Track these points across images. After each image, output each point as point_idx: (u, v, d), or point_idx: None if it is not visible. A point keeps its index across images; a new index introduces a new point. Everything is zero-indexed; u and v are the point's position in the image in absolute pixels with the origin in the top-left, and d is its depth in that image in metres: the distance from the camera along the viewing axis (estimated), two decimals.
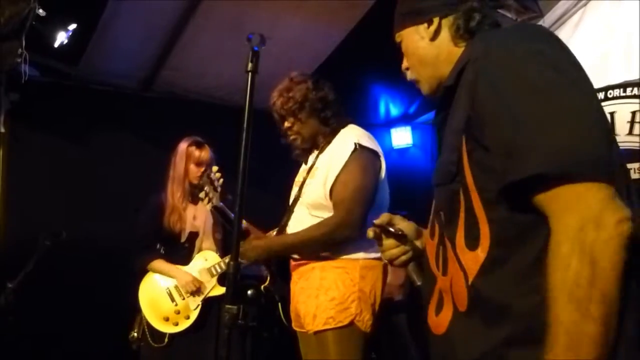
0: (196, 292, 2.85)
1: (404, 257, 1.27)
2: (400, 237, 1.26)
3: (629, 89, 4.41)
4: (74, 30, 3.26)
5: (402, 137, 5.47)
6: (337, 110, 2.25)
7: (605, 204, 0.83)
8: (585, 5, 4.59)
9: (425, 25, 1.18)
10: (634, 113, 4.38)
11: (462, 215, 1.00)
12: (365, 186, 2.11)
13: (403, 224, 1.29)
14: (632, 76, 4.37)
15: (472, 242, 0.97)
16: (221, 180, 2.31)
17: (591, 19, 4.60)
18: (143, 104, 4.21)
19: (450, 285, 1.03)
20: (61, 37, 3.24)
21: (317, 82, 2.27)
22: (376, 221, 1.27)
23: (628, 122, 4.38)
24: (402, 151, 5.45)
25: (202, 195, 2.35)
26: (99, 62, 3.82)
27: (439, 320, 1.07)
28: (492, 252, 0.94)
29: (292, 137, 2.29)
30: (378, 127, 5.53)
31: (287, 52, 3.81)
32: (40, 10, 2.82)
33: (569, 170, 0.84)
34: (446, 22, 1.16)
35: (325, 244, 2.12)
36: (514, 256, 0.93)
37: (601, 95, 4.52)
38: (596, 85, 4.98)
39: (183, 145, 2.98)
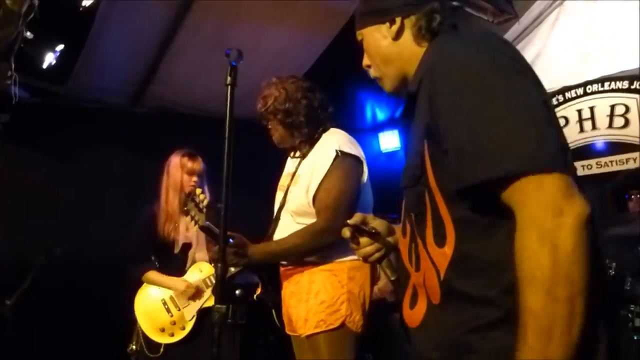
0: (196, 295, 2.87)
1: (377, 254, 1.33)
2: (374, 235, 1.31)
3: (606, 84, 4.53)
4: (62, 50, 3.32)
5: (389, 140, 5.55)
6: (311, 118, 2.23)
7: (563, 192, 0.88)
8: (560, 5, 4.71)
9: (388, 24, 1.21)
10: (612, 107, 4.49)
11: (429, 215, 1.05)
12: (347, 192, 2.13)
13: (376, 222, 1.34)
14: (610, 71, 4.49)
15: (440, 240, 1.03)
16: (206, 201, 2.36)
17: (567, 18, 4.72)
18: (132, 119, 4.25)
19: (424, 280, 1.08)
20: (49, 58, 3.29)
21: (289, 87, 2.25)
22: (350, 221, 1.31)
23: (607, 115, 4.50)
24: (391, 155, 5.53)
25: (188, 219, 2.37)
26: (87, 80, 3.86)
27: (414, 314, 1.12)
28: (458, 249, 1.00)
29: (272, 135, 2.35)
30: (366, 131, 5.61)
31: (272, 62, 3.88)
32: (28, 33, 2.86)
33: (523, 167, 0.89)
34: (408, 22, 1.20)
35: (309, 250, 2.14)
36: (477, 251, 0.98)
37: (580, 91, 4.65)
38: (575, 81, 5.09)
39: (177, 157, 3.02)
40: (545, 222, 0.86)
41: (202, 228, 2.31)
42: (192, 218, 2.33)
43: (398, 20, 1.20)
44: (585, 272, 0.85)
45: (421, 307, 1.09)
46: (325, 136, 2.26)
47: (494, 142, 0.91)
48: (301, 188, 2.20)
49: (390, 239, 1.34)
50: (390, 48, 1.22)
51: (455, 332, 0.99)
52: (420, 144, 1.06)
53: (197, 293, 2.90)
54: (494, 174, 0.91)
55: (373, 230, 1.30)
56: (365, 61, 1.30)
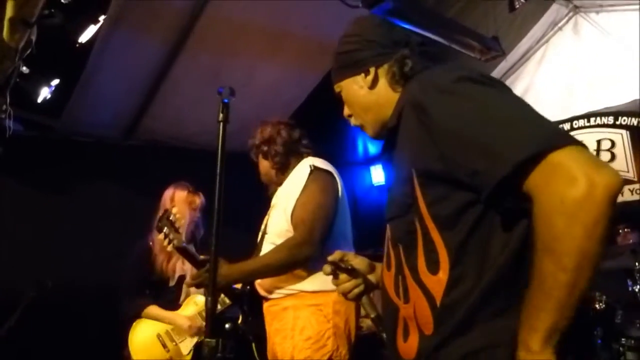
0: (197, 332, 2.84)
1: (356, 290, 1.36)
2: (351, 272, 1.35)
3: (592, 119, 4.63)
4: (57, 85, 3.36)
5: (381, 174, 5.58)
6: (289, 150, 2.33)
7: (591, 160, 0.88)
8: (547, 42, 4.85)
9: (363, 75, 1.27)
10: (599, 142, 4.57)
11: (420, 242, 1.07)
12: (323, 205, 2.15)
13: (356, 260, 1.38)
14: (595, 106, 4.59)
15: (433, 266, 1.05)
16: (183, 221, 2.36)
17: (553, 55, 4.86)
18: (125, 153, 4.26)
19: (414, 312, 1.09)
20: (44, 93, 3.32)
21: (270, 125, 2.39)
22: (329, 258, 1.36)
23: (594, 150, 4.57)
24: (382, 188, 5.55)
25: (161, 236, 2.37)
26: (81, 114, 3.88)
27: (408, 347, 1.12)
28: (452, 273, 1.03)
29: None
30: (358, 165, 5.66)
31: (265, 97, 3.94)
32: (24, 68, 2.90)
33: (537, 150, 0.89)
34: (382, 71, 1.26)
35: (288, 264, 2.12)
36: (470, 273, 1.01)
37: (567, 126, 4.74)
38: (562, 115, 5.21)
39: (182, 191, 3.03)
40: (568, 192, 0.85)
41: (179, 249, 2.32)
42: (166, 236, 2.32)
43: (372, 70, 1.26)
44: (601, 247, 0.85)
45: (414, 339, 1.10)
46: (301, 163, 2.33)
47: (508, 136, 0.93)
48: (279, 209, 2.23)
49: (371, 277, 1.38)
50: (368, 97, 1.28)
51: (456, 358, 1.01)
52: (408, 172, 1.09)
53: (199, 331, 2.85)
54: (520, 158, 0.89)
55: (350, 267, 1.34)
56: (346, 111, 1.36)
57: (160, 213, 2.49)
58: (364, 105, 1.29)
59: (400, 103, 1.19)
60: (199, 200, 3.02)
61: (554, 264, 0.87)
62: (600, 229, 0.84)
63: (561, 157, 0.88)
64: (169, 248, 2.39)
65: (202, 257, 2.29)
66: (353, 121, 1.35)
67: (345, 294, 1.37)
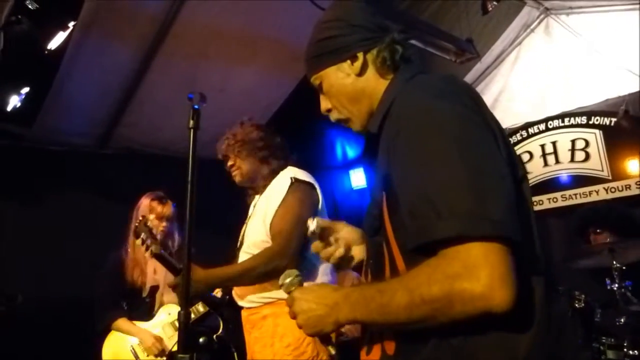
0: (160, 353, 2.82)
1: (336, 254, 1.32)
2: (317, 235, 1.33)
3: (566, 119, 4.71)
4: (27, 93, 3.27)
5: (360, 177, 5.60)
6: (278, 154, 2.35)
7: (500, 273, 0.85)
8: (519, 44, 4.92)
9: (349, 62, 1.17)
10: (573, 141, 4.66)
11: (387, 267, 1.04)
12: (301, 217, 2.12)
13: (345, 229, 1.34)
14: (569, 107, 4.67)
15: None
16: (160, 228, 2.32)
17: (527, 56, 4.93)
18: (101, 162, 4.17)
19: (380, 330, 1.07)
20: (14, 101, 3.24)
21: (260, 126, 2.42)
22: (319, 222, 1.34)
23: (569, 150, 4.66)
24: (362, 191, 5.57)
25: (138, 242, 2.35)
26: (54, 123, 3.79)
27: None
28: None
29: (233, 174, 2.38)
30: (337, 169, 5.66)
31: (241, 103, 3.91)
32: None
33: (464, 231, 0.86)
34: (370, 56, 1.16)
35: (262, 274, 2.11)
36: None
37: (542, 127, 4.82)
38: (536, 116, 5.26)
39: (145, 200, 3.00)
40: (468, 285, 0.85)
41: (156, 256, 2.30)
42: (144, 242, 2.30)
43: (360, 55, 1.16)
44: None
45: (376, 355, 1.08)
46: (282, 172, 2.33)
47: (438, 206, 0.88)
48: (258, 219, 2.24)
49: (357, 248, 1.33)
50: (355, 85, 1.17)
51: None
52: (379, 194, 1.06)
53: (162, 352, 2.82)
54: (435, 237, 0.88)
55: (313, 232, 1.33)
56: (326, 105, 1.24)
57: (138, 220, 2.46)
58: (351, 95, 1.18)
59: (383, 105, 1.11)
60: (166, 210, 2.98)
61: (409, 296, 0.91)
62: (449, 320, 0.90)
63: (478, 254, 0.85)
64: (147, 255, 2.37)
65: (181, 265, 2.27)
66: (335, 115, 1.23)
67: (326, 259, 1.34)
